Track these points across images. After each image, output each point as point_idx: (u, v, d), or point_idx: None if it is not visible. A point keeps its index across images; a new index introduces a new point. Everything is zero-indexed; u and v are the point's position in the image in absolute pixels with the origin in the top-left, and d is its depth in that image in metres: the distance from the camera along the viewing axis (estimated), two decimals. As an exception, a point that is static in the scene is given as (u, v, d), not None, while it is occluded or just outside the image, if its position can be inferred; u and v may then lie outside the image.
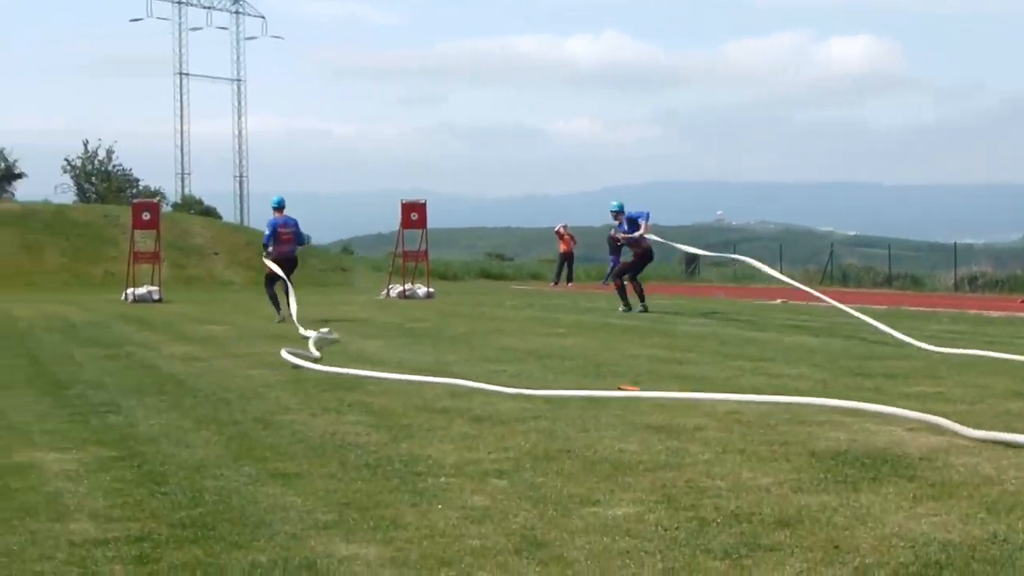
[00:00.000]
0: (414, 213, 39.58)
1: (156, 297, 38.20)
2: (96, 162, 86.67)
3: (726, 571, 6.17)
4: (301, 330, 21.82)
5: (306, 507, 7.77)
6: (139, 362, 17.62)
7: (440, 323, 24.89)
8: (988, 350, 16.68)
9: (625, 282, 28.92)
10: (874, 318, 20.96)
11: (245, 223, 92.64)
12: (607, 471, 8.73)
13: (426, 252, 40.31)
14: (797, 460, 8.96)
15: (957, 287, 46.34)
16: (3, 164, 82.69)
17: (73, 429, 11.19)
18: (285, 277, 26.64)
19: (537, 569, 6.27)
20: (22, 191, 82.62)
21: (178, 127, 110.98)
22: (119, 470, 9.14)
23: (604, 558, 6.43)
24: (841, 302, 24.09)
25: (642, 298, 28.61)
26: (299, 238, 27.90)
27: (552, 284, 49.60)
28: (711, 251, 47.20)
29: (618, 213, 29.63)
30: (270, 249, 27.45)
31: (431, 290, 38.71)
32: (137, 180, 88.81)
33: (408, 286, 38.99)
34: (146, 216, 40.73)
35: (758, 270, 29.86)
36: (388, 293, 39.42)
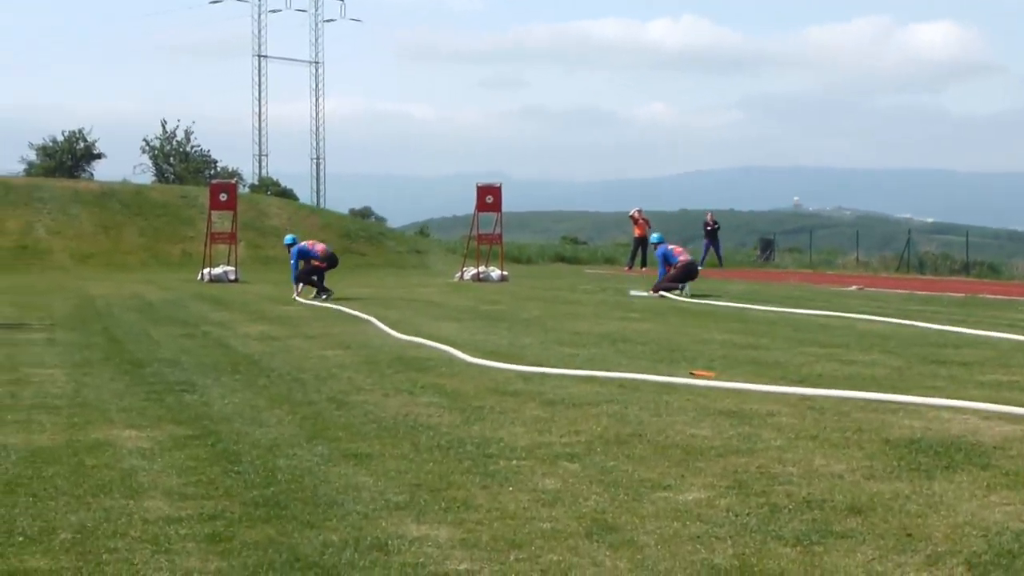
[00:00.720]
0: (489, 196, 39.55)
1: (232, 277, 38.38)
2: (174, 143, 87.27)
3: (797, 558, 6.15)
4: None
5: (378, 487, 7.81)
6: (215, 341, 17.75)
7: (514, 306, 24.90)
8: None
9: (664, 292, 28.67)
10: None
11: (321, 205, 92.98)
12: (678, 456, 8.72)
13: (500, 235, 40.29)
14: (870, 447, 8.91)
15: (1036, 275, 45.80)
16: (82, 145, 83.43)
17: (149, 407, 11.30)
18: (317, 284, 28.42)
19: (608, 553, 6.27)
20: (101, 171, 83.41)
21: (256, 109, 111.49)
22: (193, 448, 9.22)
23: (675, 543, 6.43)
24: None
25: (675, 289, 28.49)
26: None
27: (626, 268, 49.45)
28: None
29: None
30: (313, 263, 29.10)
31: (505, 273, 38.68)
32: (215, 161, 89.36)
33: (482, 269, 38.98)
34: (223, 197, 40.91)
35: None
36: (462, 276, 39.44)
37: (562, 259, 63.70)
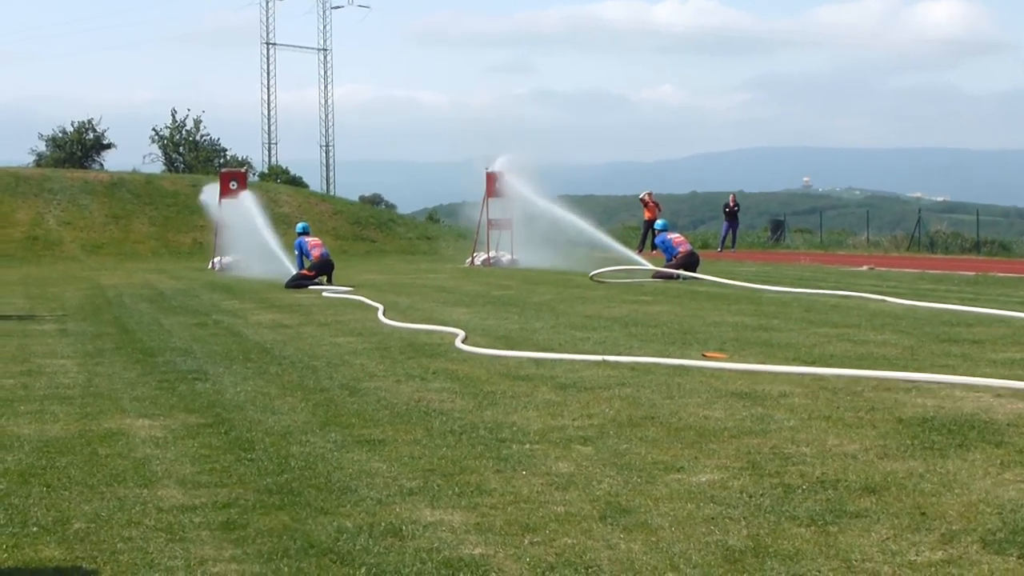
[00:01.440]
0: (499, 182, 39.50)
1: (244, 266, 38.35)
2: (184, 132, 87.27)
3: (812, 538, 6.14)
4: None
5: (391, 473, 7.82)
6: (226, 329, 17.76)
7: (525, 291, 24.88)
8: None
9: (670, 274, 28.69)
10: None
11: (331, 192, 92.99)
12: (692, 438, 8.71)
13: (511, 220, 40.21)
14: (883, 426, 8.90)
15: (1047, 253, 45.76)
16: (92, 135, 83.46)
17: (161, 396, 11.32)
18: (323, 281, 28.81)
19: (622, 535, 6.27)
20: (111, 161, 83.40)
21: (265, 97, 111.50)
22: (206, 436, 9.24)
23: (689, 525, 6.43)
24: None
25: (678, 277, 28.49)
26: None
27: (637, 251, 49.41)
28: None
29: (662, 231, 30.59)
30: (307, 264, 29.57)
31: (515, 258, 38.64)
32: (225, 150, 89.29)
33: (492, 254, 38.97)
34: (234, 185, 40.87)
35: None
36: (473, 261, 39.42)
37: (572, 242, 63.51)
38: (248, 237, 36.16)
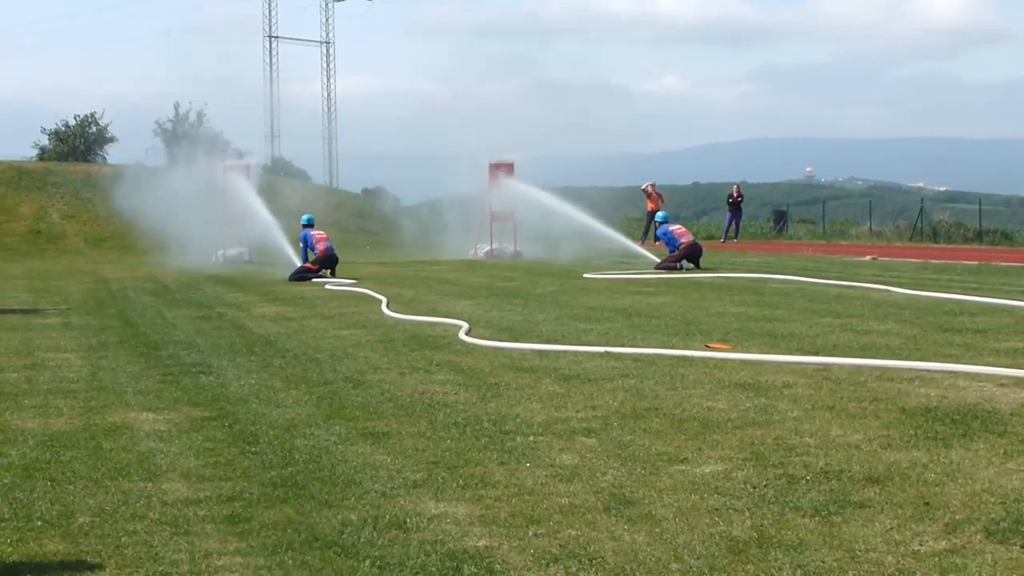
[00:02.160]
0: (502, 173, 39.43)
1: (247, 258, 38.35)
2: (187, 125, 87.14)
3: (816, 528, 6.15)
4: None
5: (396, 466, 7.83)
6: (230, 323, 17.77)
7: (528, 282, 24.87)
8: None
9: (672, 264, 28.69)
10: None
11: (334, 185, 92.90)
12: (695, 429, 8.72)
13: (513, 212, 40.13)
14: (887, 417, 8.90)
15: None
16: (95, 128, 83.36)
17: (165, 389, 11.33)
18: (327, 274, 28.81)
19: (626, 527, 6.28)
20: (114, 155, 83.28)
21: (268, 90, 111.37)
22: (210, 430, 9.25)
23: (693, 516, 6.44)
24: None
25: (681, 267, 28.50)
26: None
27: (640, 242, 49.37)
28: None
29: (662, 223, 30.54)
30: (311, 258, 29.67)
31: (518, 250, 38.61)
32: (228, 143, 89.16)
33: (495, 246, 38.93)
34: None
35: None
36: (476, 253, 39.37)
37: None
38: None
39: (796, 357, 12.07)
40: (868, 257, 33.33)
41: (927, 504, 6.49)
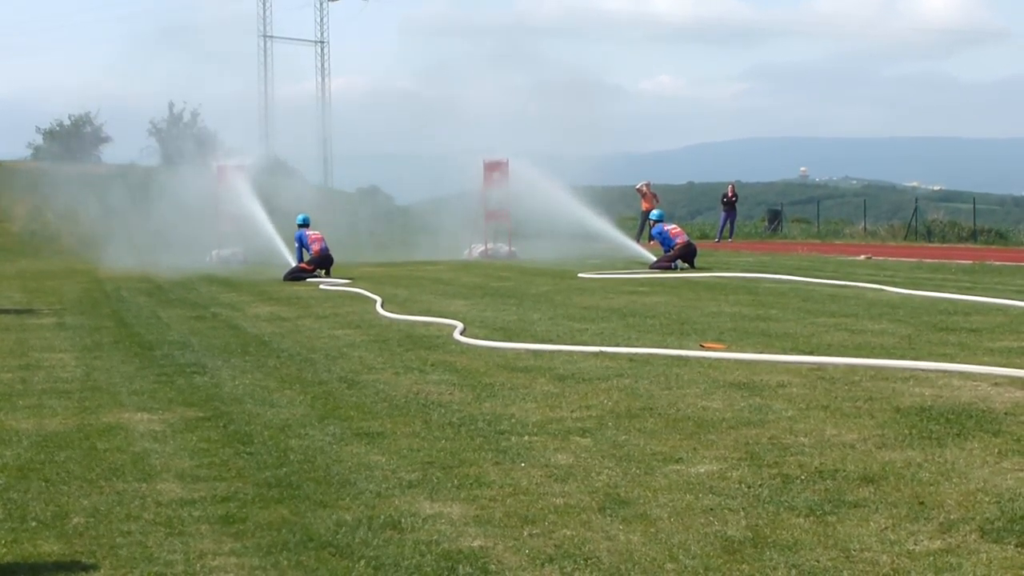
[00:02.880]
0: (496, 172, 39.42)
1: (241, 259, 38.29)
2: (181, 125, 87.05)
3: (810, 528, 6.16)
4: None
5: (390, 466, 7.83)
6: (224, 323, 17.76)
7: (523, 282, 24.87)
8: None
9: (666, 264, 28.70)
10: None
11: (329, 184, 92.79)
12: (690, 428, 8.73)
13: (508, 211, 40.10)
14: (881, 416, 8.91)
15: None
16: (89, 128, 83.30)
17: (160, 390, 11.32)
18: (321, 275, 28.85)
19: (621, 527, 6.28)
20: (108, 154, 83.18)
21: (262, 90, 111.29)
22: (205, 430, 9.25)
23: (687, 515, 6.44)
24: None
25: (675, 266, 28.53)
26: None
27: (634, 242, 49.30)
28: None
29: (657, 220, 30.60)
30: (306, 258, 29.66)
31: (513, 249, 38.58)
32: (222, 143, 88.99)
33: (490, 246, 38.91)
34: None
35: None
36: (471, 253, 39.33)
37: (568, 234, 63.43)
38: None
39: (791, 357, 12.09)
40: (862, 256, 33.36)
41: (922, 503, 6.49)
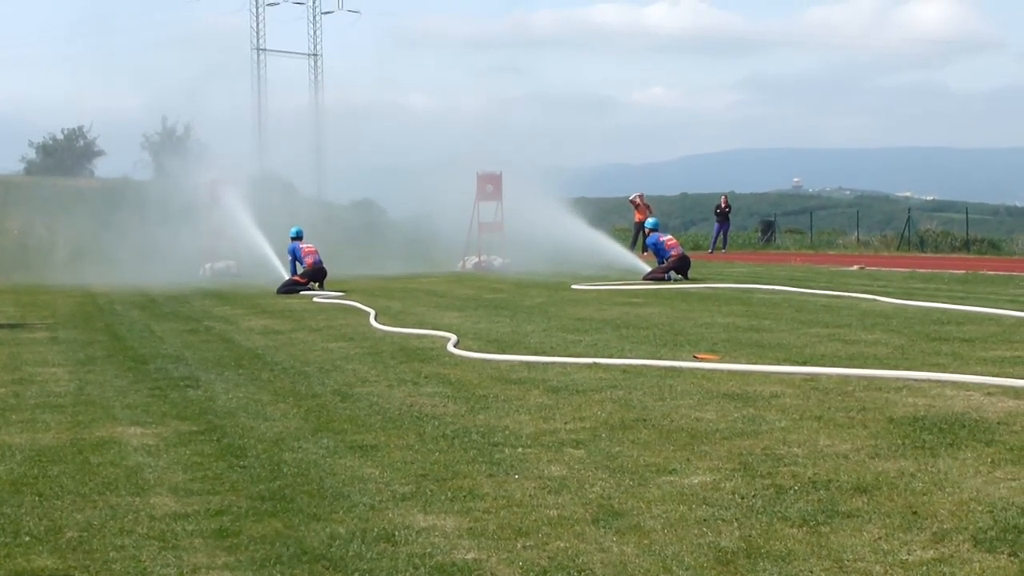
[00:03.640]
0: (489, 185, 39.43)
1: (235, 272, 38.32)
2: (174, 138, 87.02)
3: (804, 538, 6.16)
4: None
5: (384, 479, 7.83)
6: (218, 336, 17.76)
7: (516, 294, 24.88)
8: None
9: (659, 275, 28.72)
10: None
11: (323, 197, 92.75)
12: (684, 440, 8.73)
13: (501, 223, 40.11)
14: (874, 426, 8.92)
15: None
16: (82, 142, 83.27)
17: (153, 404, 11.31)
18: (315, 287, 28.95)
19: (614, 538, 6.29)
20: (101, 168, 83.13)
21: (256, 103, 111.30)
22: (198, 444, 9.24)
23: (681, 526, 6.44)
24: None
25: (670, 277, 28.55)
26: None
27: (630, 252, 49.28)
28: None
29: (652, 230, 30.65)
30: (299, 271, 29.77)
31: (507, 261, 38.59)
32: (215, 156, 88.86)
33: (484, 257, 38.92)
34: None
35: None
36: (464, 265, 39.34)
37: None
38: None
39: (784, 367, 12.10)
40: (856, 267, 33.37)
41: (915, 513, 6.49)
